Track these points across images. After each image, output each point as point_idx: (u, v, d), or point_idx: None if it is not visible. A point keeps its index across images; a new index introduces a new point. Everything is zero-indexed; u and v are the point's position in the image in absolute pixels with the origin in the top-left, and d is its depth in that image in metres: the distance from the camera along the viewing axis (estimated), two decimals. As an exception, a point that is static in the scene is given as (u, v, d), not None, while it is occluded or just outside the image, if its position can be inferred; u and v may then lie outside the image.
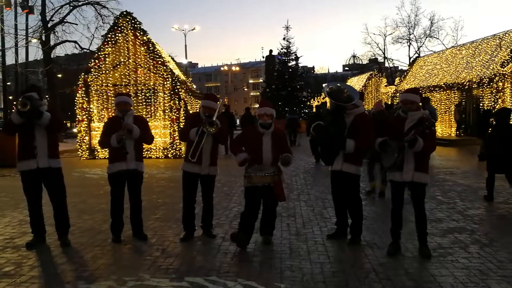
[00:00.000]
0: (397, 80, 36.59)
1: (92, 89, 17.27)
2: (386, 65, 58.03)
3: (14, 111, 5.74)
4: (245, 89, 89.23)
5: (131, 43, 17.18)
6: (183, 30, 43.46)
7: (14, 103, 35.70)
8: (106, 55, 17.19)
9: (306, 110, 39.08)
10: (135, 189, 6.18)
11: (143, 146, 6.35)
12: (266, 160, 5.74)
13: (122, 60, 17.20)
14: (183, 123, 15.35)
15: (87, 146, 17.19)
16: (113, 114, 16.16)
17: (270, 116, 5.87)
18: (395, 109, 13.84)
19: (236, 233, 5.77)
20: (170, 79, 17.13)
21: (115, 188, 6.11)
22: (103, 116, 17.11)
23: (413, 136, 5.07)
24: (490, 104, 19.77)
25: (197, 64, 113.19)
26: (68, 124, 51.73)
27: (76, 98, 17.31)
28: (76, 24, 28.25)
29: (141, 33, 17.17)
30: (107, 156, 6.35)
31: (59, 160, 5.97)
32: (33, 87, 6.07)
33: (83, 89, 17.18)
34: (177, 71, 20.29)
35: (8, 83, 35.33)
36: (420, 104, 5.49)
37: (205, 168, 6.06)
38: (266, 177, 5.65)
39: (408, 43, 54.06)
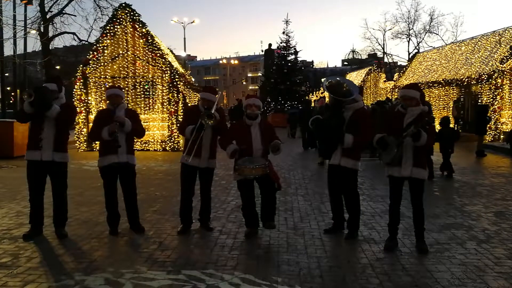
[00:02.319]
0: (396, 75, 36.55)
1: (90, 81, 17.19)
2: (385, 60, 57.99)
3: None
4: (244, 83, 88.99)
5: (130, 35, 17.09)
6: (182, 23, 43.37)
7: (12, 94, 35.57)
8: (105, 47, 17.11)
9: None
10: (128, 183, 6.14)
11: (137, 139, 6.31)
12: (256, 151, 5.74)
13: (120, 52, 17.12)
14: (182, 116, 15.36)
15: (85, 138, 17.14)
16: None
17: (258, 107, 5.94)
18: (394, 104, 14.05)
19: (245, 231, 5.99)
20: (168, 72, 17.05)
21: (108, 181, 6.09)
22: (101, 108, 17.04)
23: (415, 130, 5.05)
24: (488, 101, 19.77)
25: (196, 57, 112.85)
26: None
27: (74, 90, 17.24)
28: (75, 16, 28.22)
29: (140, 25, 17.08)
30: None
31: (65, 155, 5.93)
32: (54, 78, 6.08)
33: (81, 81, 17.10)
34: (175, 64, 20.21)
35: (6, 74, 35.16)
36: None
37: (204, 161, 6.05)
38: (256, 169, 5.59)
39: (408, 38, 54.11)
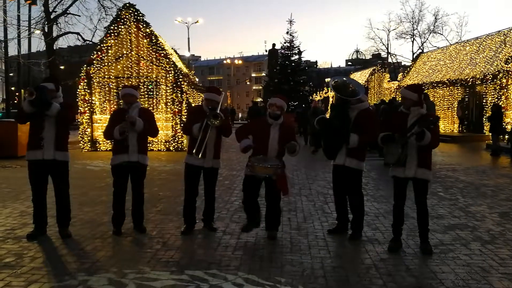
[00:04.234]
0: (400, 75, 36.49)
1: (94, 81, 17.24)
2: (389, 60, 57.86)
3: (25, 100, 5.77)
4: (248, 83, 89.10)
5: (133, 35, 17.14)
6: (186, 23, 43.29)
7: (17, 94, 35.71)
8: (109, 47, 17.16)
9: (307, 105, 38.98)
10: (137, 182, 6.15)
11: (148, 139, 6.32)
12: (271, 152, 5.70)
13: (124, 52, 17.17)
14: (186, 117, 15.37)
15: (89, 138, 17.19)
16: (115, 107, 16.28)
17: (280, 107, 5.82)
18: (397, 104, 14.08)
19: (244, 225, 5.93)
20: (172, 72, 17.09)
21: (118, 180, 6.09)
22: (105, 108, 17.11)
23: (419, 129, 5.03)
24: (493, 101, 19.70)
25: (199, 57, 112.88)
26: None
27: (78, 90, 17.29)
28: (79, 16, 28.35)
29: (144, 25, 17.13)
30: (109, 148, 6.34)
31: (67, 154, 5.93)
32: (50, 77, 6.09)
33: (85, 81, 17.16)
34: (179, 64, 20.26)
35: (11, 74, 35.31)
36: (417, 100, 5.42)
37: (208, 161, 6.03)
38: (268, 169, 5.57)
39: (412, 38, 53.90)
